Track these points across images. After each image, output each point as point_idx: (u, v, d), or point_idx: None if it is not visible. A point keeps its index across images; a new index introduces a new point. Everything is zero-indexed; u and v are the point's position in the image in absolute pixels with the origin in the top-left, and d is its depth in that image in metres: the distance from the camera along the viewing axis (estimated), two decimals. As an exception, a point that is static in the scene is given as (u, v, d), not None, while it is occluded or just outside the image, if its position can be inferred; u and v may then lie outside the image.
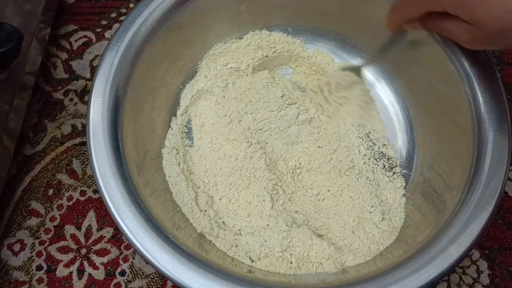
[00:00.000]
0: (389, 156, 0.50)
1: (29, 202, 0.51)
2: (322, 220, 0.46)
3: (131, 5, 0.63)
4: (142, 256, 0.36)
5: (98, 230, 0.50)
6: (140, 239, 0.36)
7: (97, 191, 0.51)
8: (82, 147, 0.54)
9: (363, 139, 0.50)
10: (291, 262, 0.42)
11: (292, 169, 0.49)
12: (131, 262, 0.48)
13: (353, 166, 0.48)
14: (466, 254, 0.36)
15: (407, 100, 0.51)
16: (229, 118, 0.50)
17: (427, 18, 0.37)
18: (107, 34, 0.61)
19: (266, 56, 0.53)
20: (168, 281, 0.48)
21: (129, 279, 0.48)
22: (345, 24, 0.52)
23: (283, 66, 0.55)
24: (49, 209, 0.51)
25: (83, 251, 0.49)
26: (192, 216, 0.44)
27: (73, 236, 0.49)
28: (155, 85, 0.48)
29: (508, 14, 0.30)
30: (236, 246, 0.43)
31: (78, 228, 0.50)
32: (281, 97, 0.51)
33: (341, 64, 0.53)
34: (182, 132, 0.50)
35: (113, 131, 0.40)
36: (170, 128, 0.49)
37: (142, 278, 0.48)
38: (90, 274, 0.48)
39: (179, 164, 0.47)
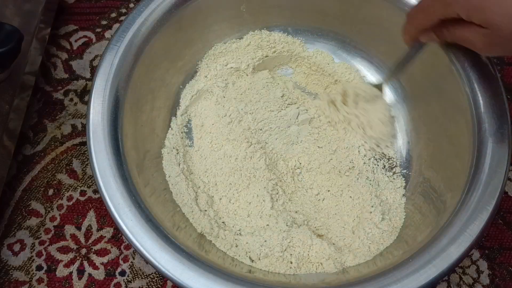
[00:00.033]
0: (389, 156, 0.50)
1: (29, 202, 0.51)
2: (322, 220, 0.46)
3: (131, 5, 0.63)
4: (142, 256, 0.36)
5: (98, 230, 0.50)
6: (140, 239, 0.36)
7: (97, 191, 0.51)
8: (82, 147, 0.54)
9: (364, 141, 0.50)
10: (291, 262, 0.42)
11: (292, 169, 0.49)
12: (131, 262, 0.48)
13: (353, 166, 0.48)
14: (466, 254, 0.36)
15: (407, 100, 0.51)
16: (229, 118, 0.50)
17: (441, 26, 0.36)
18: (107, 34, 0.61)
19: (266, 56, 0.53)
20: (168, 281, 0.48)
21: (129, 279, 0.48)
22: (345, 24, 0.52)
23: (283, 66, 0.55)
24: (49, 209, 0.51)
25: (83, 251, 0.49)
26: (192, 216, 0.44)
27: (73, 236, 0.49)
28: (155, 85, 0.48)
29: None
30: (236, 246, 0.43)
31: (78, 228, 0.50)
32: (281, 97, 0.51)
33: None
34: (182, 132, 0.50)
35: (113, 131, 0.40)
36: (170, 128, 0.49)
37: (142, 278, 0.48)
38: (90, 274, 0.48)
39: (179, 164, 0.47)
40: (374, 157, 0.49)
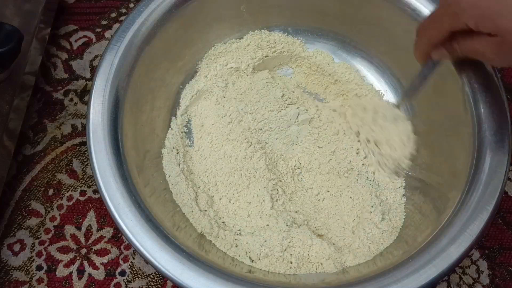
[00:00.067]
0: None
1: (29, 202, 0.51)
2: (322, 220, 0.46)
3: (131, 5, 0.63)
4: (142, 256, 0.36)
5: (98, 230, 0.50)
6: (140, 239, 0.36)
7: (97, 191, 0.51)
8: (82, 147, 0.54)
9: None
10: (291, 262, 0.42)
11: (292, 169, 0.49)
12: (131, 262, 0.48)
13: (352, 168, 0.48)
14: (466, 254, 0.36)
15: (407, 101, 0.51)
16: (229, 118, 0.50)
17: (451, 41, 0.35)
18: (107, 34, 0.61)
19: (266, 56, 0.53)
20: (168, 281, 0.48)
21: (129, 279, 0.48)
22: (345, 24, 0.52)
23: (283, 66, 0.55)
24: (49, 209, 0.51)
25: (83, 251, 0.49)
26: (192, 216, 0.44)
27: (73, 236, 0.49)
28: (155, 85, 0.48)
29: None
30: (236, 246, 0.43)
31: (78, 228, 0.50)
32: (281, 97, 0.51)
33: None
34: (182, 132, 0.50)
35: (113, 131, 0.40)
36: (170, 128, 0.49)
37: (142, 278, 0.48)
38: (90, 274, 0.48)
39: (179, 164, 0.47)
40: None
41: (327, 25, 0.54)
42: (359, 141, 0.49)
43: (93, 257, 0.48)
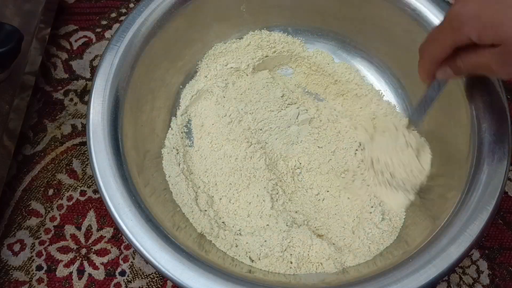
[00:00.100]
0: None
1: (29, 202, 0.51)
2: (322, 220, 0.46)
3: (131, 5, 0.63)
4: (142, 256, 0.36)
5: (98, 230, 0.50)
6: (140, 239, 0.36)
7: (97, 191, 0.51)
8: (82, 147, 0.54)
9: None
10: (291, 262, 0.42)
11: (292, 169, 0.49)
12: (131, 262, 0.48)
13: (347, 169, 0.48)
14: (466, 254, 0.36)
15: (407, 100, 0.51)
16: (229, 118, 0.50)
17: (455, 58, 0.35)
18: (107, 34, 0.61)
19: (266, 56, 0.53)
20: (168, 281, 0.48)
21: (129, 279, 0.48)
22: (345, 24, 0.52)
23: (283, 66, 0.55)
24: (49, 209, 0.51)
25: (83, 251, 0.49)
26: (192, 216, 0.44)
27: (73, 236, 0.49)
28: (155, 85, 0.48)
29: None
30: (236, 246, 0.43)
31: (78, 228, 0.50)
32: (281, 97, 0.51)
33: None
34: (182, 132, 0.50)
35: (113, 131, 0.40)
36: (170, 128, 0.49)
37: (142, 278, 0.48)
38: (90, 274, 0.48)
39: (179, 164, 0.47)
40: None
41: (327, 25, 0.54)
42: (363, 160, 0.47)
43: (93, 257, 0.48)
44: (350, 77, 0.53)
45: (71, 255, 0.48)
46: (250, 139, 0.49)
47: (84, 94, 0.57)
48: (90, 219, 0.50)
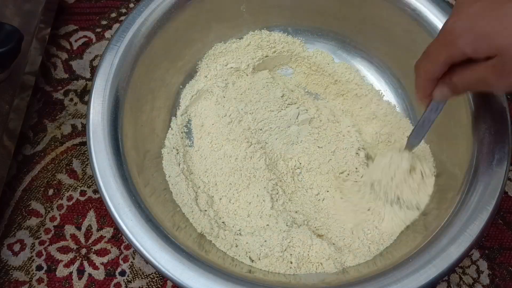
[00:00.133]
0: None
1: (29, 202, 0.51)
2: (322, 220, 0.46)
3: (131, 5, 0.63)
4: (142, 256, 0.36)
5: (98, 230, 0.50)
6: (140, 239, 0.36)
7: (97, 191, 0.51)
8: (82, 147, 0.54)
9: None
10: (291, 262, 0.42)
11: (292, 169, 0.49)
12: (131, 262, 0.48)
13: (345, 170, 0.48)
14: (466, 254, 0.36)
15: (408, 101, 0.51)
16: (229, 118, 0.50)
17: (451, 75, 0.34)
18: (107, 34, 0.61)
19: (266, 56, 0.53)
20: (168, 281, 0.48)
21: (129, 279, 0.48)
22: (345, 24, 0.52)
23: (283, 66, 0.55)
24: (49, 209, 0.51)
25: (83, 251, 0.49)
26: (192, 216, 0.44)
27: (73, 236, 0.49)
28: (155, 85, 0.48)
29: None
30: (236, 246, 0.43)
31: (78, 228, 0.50)
32: (281, 97, 0.51)
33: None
34: (182, 132, 0.50)
35: (113, 131, 0.40)
36: (170, 128, 0.49)
37: (142, 278, 0.48)
38: (90, 274, 0.48)
39: (179, 164, 0.47)
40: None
41: (327, 25, 0.54)
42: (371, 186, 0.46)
43: (93, 257, 0.48)
44: (350, 77, 0.53)
45: (71, 255, 0.48)
46: (250, 139, 0.49)
47: (84, 94, 0.57)
48: (90, 219, 0.50)
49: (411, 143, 0.43)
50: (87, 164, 0.53)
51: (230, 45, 0.53)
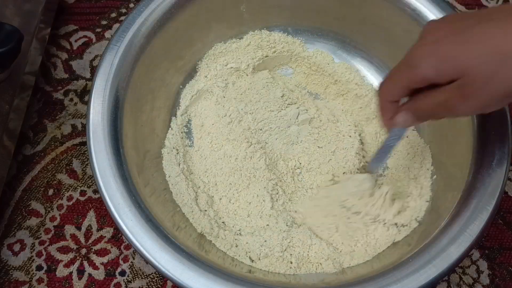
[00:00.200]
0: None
1: (29, 202, 0.51)
2: (322, 220, 0.46)
3: (131, 5, 0.63)
4: (142, 256, 0.36)
5: (98, 230, 0.50)
6: (140, 239, 0.36)
7: (97, 191, 0.51)
8: (82, 147, 0.54)
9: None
10: (291, 262, 0.42)
11: (292, 169, 0.49)
12: (131, 262, 0.48)
13: (344, 172, 0.48)
14: (466, 254, 0.36)
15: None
16: (229, 118, 0.50)
17: (414, 101, 0.33)
18: (107, 34, 0.61)
19: (266, 56, 0.53)
20: (168, 281, 0.48)
21: (129, 279, 0.48)
22: (345, 24, 0.52)
23: (283, 66, 0.55)
24: (49, 209, 0.51)
25: (83, 251, 0.49)
26: (192, 216, 0.44)
27: (73, 236, 0.49)
28: (155, 85, 0.48)
29: (491, 56, 0.28)
30: (236, 246, 0.43)
31: (78, 228, 0.50)
32: (281, 97, 0.51)
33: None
34: (182, 132, 0.50)
35: (113, 131, 0.40)
36: (170, 128, 0.49)
37: (142, 278, 0.48)
38: (90, 274, 0.48)
39: (179, 164, 0.47)
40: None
41: (327, 25, 0.54)
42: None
43: (93, 257, 0.48)
44: (350, 77, 0.53)
45: (71, 255, 0.48)
46: (250, 139, 0.49)
47: (84, 94, 0.57)
48: (90, 219, 0.50)
49: (372, 168, 0.44)
50: (87, 164, 0.53)
51: (230, 45, 0.53)
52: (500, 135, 0.39)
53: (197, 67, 0.52)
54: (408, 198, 0.45)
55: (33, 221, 0.50)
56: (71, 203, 0.51)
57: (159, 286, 0.48)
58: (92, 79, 0.52)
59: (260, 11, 0.52)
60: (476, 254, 0.49)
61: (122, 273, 0.48)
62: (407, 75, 0.32)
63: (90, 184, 0.52)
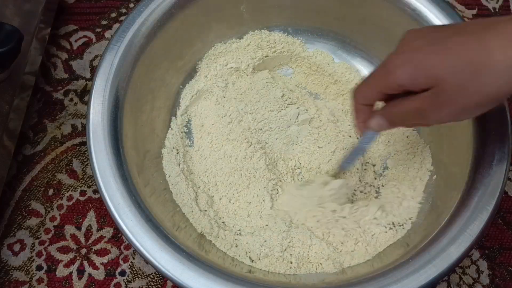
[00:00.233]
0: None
1: (29, 202, 0.51)
2: (322, 220, 0.46)
3: (131, 5, 0.63)
4: (142, 256, 0.36)
5: (98, 230, 0.50)
6: (140, 239, 0.36)
7: (97, 191, 0.51)
8: (82, 147, 0.54)
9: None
10: (291, 262, 0.42)
11: (292, 169, 0.49)
12: (131, 262, 0.48)
13: (344, 172, 0.48)
14: (466, 254, 0.36)
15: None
16: (229, 118, 0.50)
17: (390, 106, 0.34)
18: (107, 34, 0.61)
19: (266, 56, 0.53)
20: (168, 281, 0.48)
21: (129, 279, 0.48)
22: (345, 24, 0.52)
23: (283, 66, 0.55)
24: (49, 209, 0.51)
25: (83, 251, 0.49)
26: (192, 216, 0.44)
27: (73, 236, 0.49)
28: (155, 85, 0.48)
29: (465, 67, 0.28)
30: (236, 246, 0.43)
31: (78, 228, 0.50)
32: (281, 97, 0.51)
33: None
34: (182, 132, 0.50)
35: (113, 131, 0.40)
36: (170, 128, 0.49)
37: (142, 278, 0.48)
38: (90, 274, 0.48)
39: (179, 164, 0.47)
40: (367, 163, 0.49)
41: (327, 25, 0.54)
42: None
43: (93, 257, 0.48)
44: (350, 77, 0.53)
45: (71, 255, 0.48)
46: (250, 139, 0.49)
47: (84, 94, 0.57)
48: (90, 219, 0.50)
49: (343, 168, 0.45)
50: (87, 164, 0.53)
51: (230, 45, 0.53)
52: (500, 135, 0.39)
53: (197, 67, 0.52)
54: (403, 199, 0.45)
55: (33, 221, 0.50)
56: (71, 203, 0.51)
57: (159, 286, 0.48)
58: (92, 79, 0.52)
59: (260, 11, 0.52)
60: (476, 254, 0.49)
61: (122, 273, 0.48)
62: (382, 80, 0.33)
63: (90, 184, 0.52)
